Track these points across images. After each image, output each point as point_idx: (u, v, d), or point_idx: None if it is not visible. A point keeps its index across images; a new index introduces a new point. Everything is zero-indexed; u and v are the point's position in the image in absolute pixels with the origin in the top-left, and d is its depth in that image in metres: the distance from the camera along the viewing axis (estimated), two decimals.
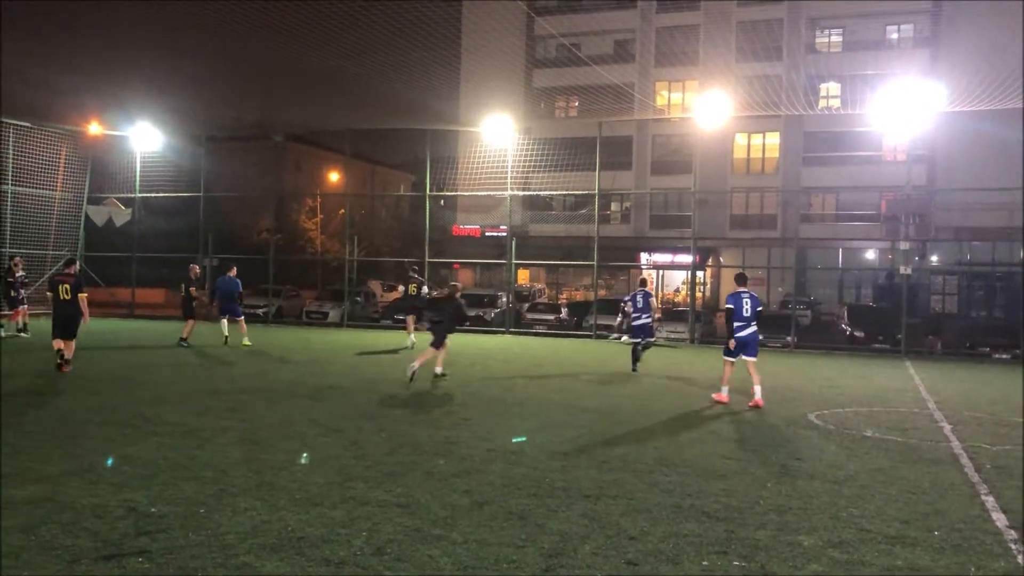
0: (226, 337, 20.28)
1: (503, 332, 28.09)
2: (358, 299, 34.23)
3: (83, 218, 31.45)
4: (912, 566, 5.51)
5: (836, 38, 46.89)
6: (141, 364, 16.23)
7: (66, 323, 14.55)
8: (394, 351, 20.21)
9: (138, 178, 31.75)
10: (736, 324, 12.66)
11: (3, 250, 27.87)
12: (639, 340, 17.33)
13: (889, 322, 26.86)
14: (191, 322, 20.11)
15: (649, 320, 17.44)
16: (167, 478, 7.13)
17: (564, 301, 39.93)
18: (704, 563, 5.42)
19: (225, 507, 6.29)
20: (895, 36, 45.92)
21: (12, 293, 21.24)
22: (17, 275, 21.34)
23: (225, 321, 20.50)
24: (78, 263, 16.31)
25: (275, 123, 34.65)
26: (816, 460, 8.76)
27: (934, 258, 40.65)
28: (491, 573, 5.11)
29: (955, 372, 19.85)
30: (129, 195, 31.76)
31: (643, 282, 18.25)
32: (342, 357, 18.52)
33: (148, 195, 32.21)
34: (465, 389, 13.73)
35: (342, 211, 45.93)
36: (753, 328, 12.79)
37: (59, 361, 14.33)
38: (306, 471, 7.52)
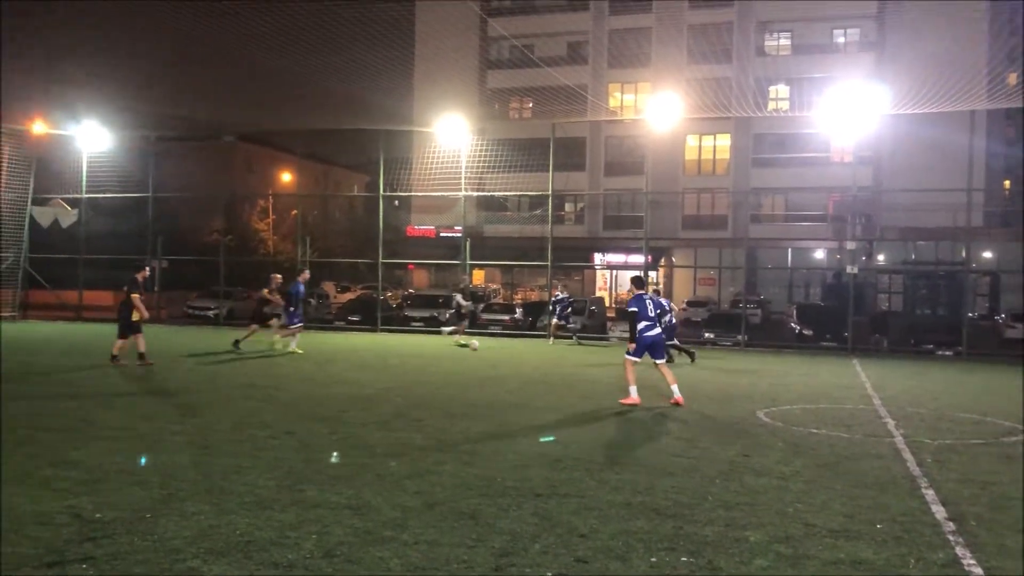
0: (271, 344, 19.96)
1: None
2: (311, 300, 33.94)
3: (28, 219, 30.71)
4: (855, 559, 5.63)
5: (785, 41, 47.69)
6: (86, 368, 15.91)
7: (120, 321, 15.97)
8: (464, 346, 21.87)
9: (84, 178, 31.10)
10: (643, 325, 12.57)
11: None
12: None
13: (837, 320, 27.34)
14: (255, 327, 20.07)
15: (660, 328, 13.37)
16: (113, 483, 7.01)
17: (519, 301, 40.03)
18: (652, 559, 5.49)
19: (172, 512, 6.21)
20: (842, 40, 46.84)
21: None
22: None
23: (287, 329, 20.00)
24: (146, 269, 16.68)
25: (226, 123, 34.25)
26: (764, 457, 8.90)
27: (880, 257, 41.58)
28: (442, 574, 5.12)
29: (900, 369, 20.29)
30: (75, 196, 31.10)
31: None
32: (294, 360, 18.35)
33: (95, 196, 31.57)
34: (418, 391, 13.70)
35: (294, 212, 45.52)
36: (658, 329, 12.82)
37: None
38: (256, 474, 7.45)
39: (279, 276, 20.60)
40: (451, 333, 23.94)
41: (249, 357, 18.51)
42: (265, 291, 20.44)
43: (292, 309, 19.71)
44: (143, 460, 7.97)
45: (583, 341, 25.88)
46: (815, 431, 10.65)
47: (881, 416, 12.15)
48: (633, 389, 12.51)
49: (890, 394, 14.84)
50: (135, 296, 15.76)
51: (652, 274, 35.64)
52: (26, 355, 18.16)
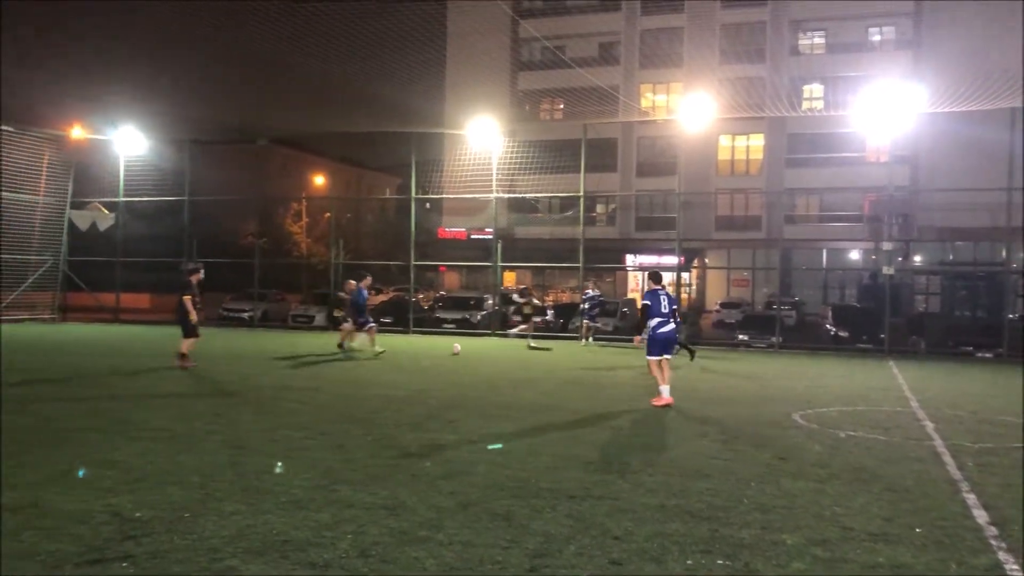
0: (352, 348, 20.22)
1: (489, 334, 28.09)
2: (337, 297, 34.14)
3: (66, 223, 31.25)
4: (894, 563, 5.56)
5: (819, 40, 47.21)
6: (126, 369, 16.14)
7: (179, 323, 16.22)
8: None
9: (122, 182, 31.58)
10: (657, 321, 12.48)
11: None
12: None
13: (873, 322, 27.01)
14: (347, 327, 20.43)
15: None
16: (152, 483, 7.11)
17: (550, 303, 39.98)
18: (688, 562, 5.45)
19: (210, 511, 6.28)
20: (877, 38, 46.27)
21: None
22: None
23: (364, 333, 20.30)
24: (200, 271, 16.74)
25: (260, 126, 34.55)
26: (800, 459, 8.81)
27: (917, 258, 40.94)
28: (476, 574, 5.13)
29: (938, 371, 19.99)
30: (113, 199, 31.58)
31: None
32: (328, 360, 18.48)
33: (132, 199, 32.05)
34: (452, 392, 13.74)
35: (327, 214, 45.87)
36: (672, 325, 12.67)
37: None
38: (291, 474, 7.51)
39: (353, 283, 20.82)
40: (520, 336, 24.07)
41: (283, 358, 18.67)
42: (341, 293, 21.00)
43: (359, 314, 20.07)
44: (181, 459, 8.07)
45: (600, 341, 25.71)
46: (852, 434, 10.52)
47: (919, 419, 11.98)
48: (665, 389, 12.47)
49: (928, 396, 14.63)
50: (187, 298, 15.95)
51: (685, 275, 35.46)
52: (65, 356, 18.48)
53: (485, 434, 9.86)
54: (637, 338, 12.99)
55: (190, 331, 16.03)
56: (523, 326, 24.67)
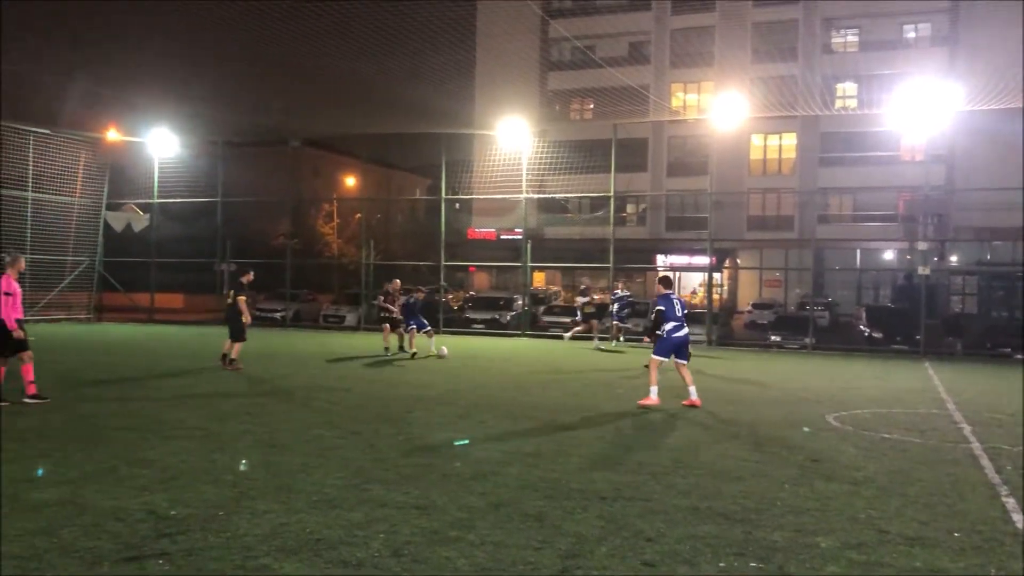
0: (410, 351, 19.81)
1: (519, 335, 28.10)
2: (374, 302, 34.34)
3: (102, 224, 31.72)
4: (932, 567, 5.48)
5: (852, 38, 46.71)
6: (160, 369, 16.34)
7: (229, 325, 16.20)
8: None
9: (156, 183, 31.98)
10: (672, 325, 12.44)
11: (24, 256, 28.10)
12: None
13: (908, 323, 26.65)
14: (388, 328, 20.34)
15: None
16: (186, 481, 7.18)
17: (579, 304, 39.84)
18: (721, 564, 5.41)
19: (244, 510, 6.33)
20: (912, 35, 45.70)
21: None
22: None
23: (423, 335, 19.94)
24: (250, 272, 16.95)
25: (292, 128, 34.86)
26: (834, 462, 8.72)
27: (953, 258, 40.37)
28: (508, 575, 5.12)
29: (975, 373, 19.69)
30: (147, 200, 32.01)
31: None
32: (358, 360, 18.58)
33: (166, 200, 32.45)
34: (481, 392, 13.76)
35: (358, 215, 46.12)
36: (686, 330, 12.61)
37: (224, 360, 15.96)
38: (324, 473, 7.55)
39: (398, 281, 20.94)
40: (600, 339, 23.77)
41: (314, 358, 18.80)
42: (383, 299, 20.71)
43: (412, 316, 19.88)
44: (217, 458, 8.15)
45: (631, 342, 25.56)
46: (887, 436, 10.39)
47: (956, 421, 11.81)
48: (654, 390, 12.36)
49: (965, 398, 14.41)
50: (242, 299, 16.07)
51: (716, 276, 35.23)
52: (101, 356, 18.75)
53: (514, 435, 9.86)
54: (646, 338, 13.17)
55: (240, 334, 16.00)
56: (579, 328, 24.28)
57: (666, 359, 12.50)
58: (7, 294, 10.91)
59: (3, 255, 12.26)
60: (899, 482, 7.86)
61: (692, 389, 12.50)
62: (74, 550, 5.35)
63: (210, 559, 5.24)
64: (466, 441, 9.30)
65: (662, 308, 12.55)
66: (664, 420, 11.32)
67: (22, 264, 11.81)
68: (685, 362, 12.68)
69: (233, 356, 15.94)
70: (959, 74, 35.16)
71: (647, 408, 12.10)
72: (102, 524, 5.90)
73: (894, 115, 31.28)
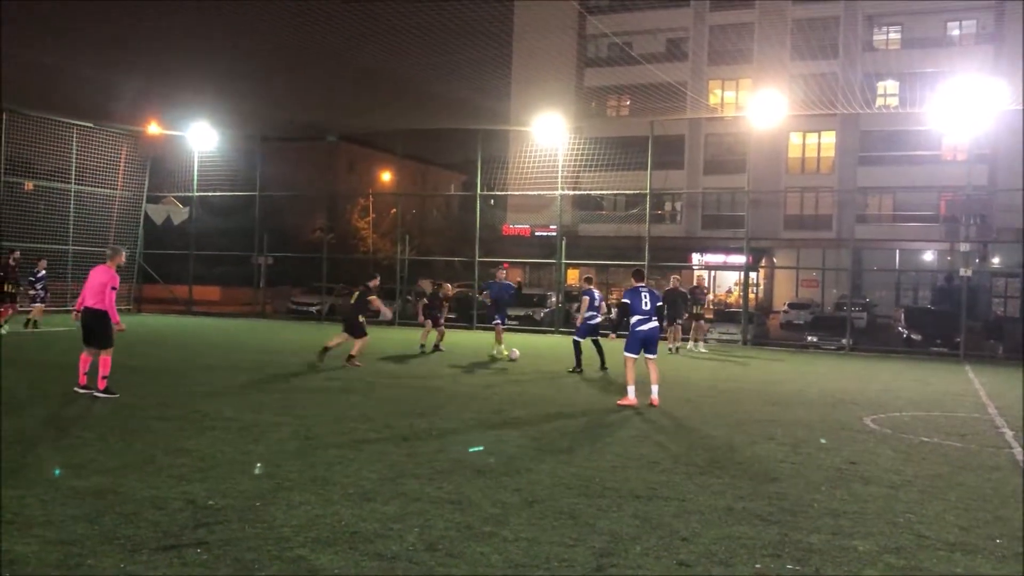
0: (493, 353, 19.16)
1: (552, 332, 28.07)
2: (409, 298, 34.49)
3: (142, 216, 32.18)
4: (973, 574, 5.39)
5: (894, 35, 46.04)
6: (199, 360, 16.54)
7: (348, 323, 16.42)
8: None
9: (195, 177, 32.37)
10: (637, 318, 12.18)
11: (67, 247, 28.62)
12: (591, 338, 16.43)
13: (948, 325, 26.24)
14: (428, 325, 19.87)
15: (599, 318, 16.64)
16: (224, 471, 7.27)
17: (613, 301, 39.73)
18: (757, 565, 5.36)
19: (280, 501, 6.39)
20: (956, 33, 44.92)
21: (31, 290, 21.48)
22: (40, 273, 21.53)
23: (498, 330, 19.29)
24: (377, 277, 17.11)
25: (329, 123, 35.09)
26: (872, 464, 8.61)
27: (995, 260, 39.65)
28: (543, 571, 5.12)
29: (1017, 377, 19.30)
30: (187, 194, 32.40)
31: (589, 280, 17.89)
32: (394, 355, 18.66)
33: (205, 194, 32.82)
34: (515, 388, 13.76)
35: (394, 210, 46.27)
36: (654, 323, 12.30)
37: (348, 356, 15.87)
38: (358, 466, 7.60)
39: (428, 282, 20.35)
40: (694, 342, 22.76)
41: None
42: (425, 301, 20.21)
43: (498, 311, 19.39)
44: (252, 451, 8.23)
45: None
46: (926, 439, 10.23)
47: (997, 426, 11.60)
48: (631, 389, 12.14)
49: (1007, 403, 14.15)
50: (372, 299, 16.29)
51: (752, 275, 34.93)
52: (140, 347, 19.00)
53: (548, 432, 9.85)
54: (612, 335, 13.51)
55: (360, 331, 16.04)
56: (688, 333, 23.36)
57: (636, 355, 12.26)
58: (113, 288, 11.15)
59: (105, 249, 12.47)
60: (939, 486, 7.74)
61: (655, 388, 12.22)
62: (114, 537, 5.43)
63: (247, 549, 5.29)
64: (494, 439, 9.29)
65: (627, 301, 12.37)
66: (700, 419, 11.24)
67: (122, 257, 11.99)
68: (653, 356, 12.39)
69: (353, 352, 15.84)
70: (1004, 72, 34.50)
71: (624, 407, 11.85)
72: (141, 512, 5.98)
73: (936, 114, 30.74)
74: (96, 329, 11.17)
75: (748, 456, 8.84)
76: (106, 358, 11.23)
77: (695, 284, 24.70)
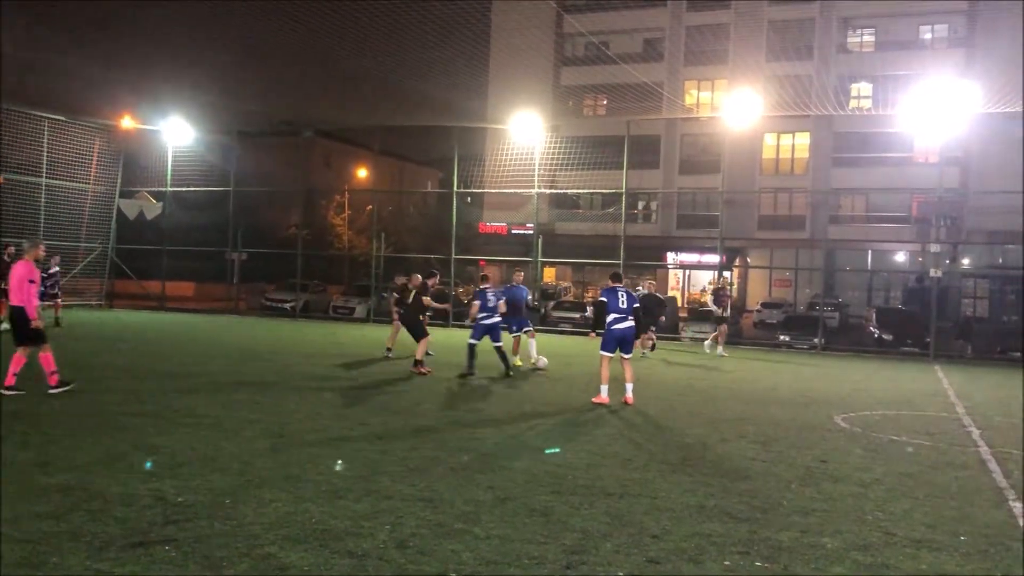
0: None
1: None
2: (384, 295, 34.38)
3: (115, 211, 31.85)
4: (938, 571, 5.46)
5: (868, 38, 46.46)
6: (171, 357, 16.41)
7: (411, 326, 15.92)
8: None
9: (169, 172, 32.08)
10: (613, 317, 12.26)
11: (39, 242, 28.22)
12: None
13: (918, 325, 26.55)
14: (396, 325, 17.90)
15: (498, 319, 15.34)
16: (194, 469, 7.21)
17: (589, 300, 39.84)
18: (726, 563, 5.41)
19: (251, 498, 6.36)
20: (929, 36, 45.40)
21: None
22: (52, 270, 21.50)
23: (522, 336, 17.53)
24: (437, 275, 16.78)
25: (305, 119, 34.88)
26: (842, 463, 8.69)
27: (965, 261, 40.13)
28: (513, 569, 5.13)
29: (986, 377, 19.60)
30: (160, 189, 32.10)
31: (485, 278, 16.28)
32: (368, 352, 18.59)
33: (179, 189, 32.53)
34: (490, 387, 13.76)
35: (369, 207, 46.11)
36: (630, 323, 12.37)
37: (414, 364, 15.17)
38: (331, 464, 7.57)
39: (418, 277, 17.04)
40: (712, 344, 22.22)
41: (324, 349, 18.81)
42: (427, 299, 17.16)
43: (517, 314, 17.19)
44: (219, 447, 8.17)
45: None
46: (895, 438, 10.36)
47: (965, 425, 11.76)
48: (604, 388, 12.19)
49: (975, 403, 14.34)
50: (426, 299, 15.97)
51: (726, 274, 35.13)
52: (112, 343, 18.83)
53: (522, 429, 9.87)
54: (592, 333, 13.50)
55: (421, 331, 15.56)
56: (712, 336, 22.99)
57: (612, 354, 12.31)
58: (31, 281, 10.90)
59: (22, 242, 12.24)
60: (907, 485, 7.83)
61: (629, 386, 12.31)
62: (81, 535, 5.38)
63: (216, 546, 5.26)
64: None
65: (604, 300, 12.48)
66: (673, 418, 11.30)
67: (41, 251, 11.79)
68: (628, 356, 12.49)
69: (418, 357, 15.11)
70: (975, 76, 34.91)
71: (598, 406, 11.89)
72: (110, 510, 5.93)
73: (909, 116, 31.06)
74: (25, 327, 10.90)
75: (720, 454, 8.91)
76: (46, 355, 10.93)
77: (719, 286, 24.43)
